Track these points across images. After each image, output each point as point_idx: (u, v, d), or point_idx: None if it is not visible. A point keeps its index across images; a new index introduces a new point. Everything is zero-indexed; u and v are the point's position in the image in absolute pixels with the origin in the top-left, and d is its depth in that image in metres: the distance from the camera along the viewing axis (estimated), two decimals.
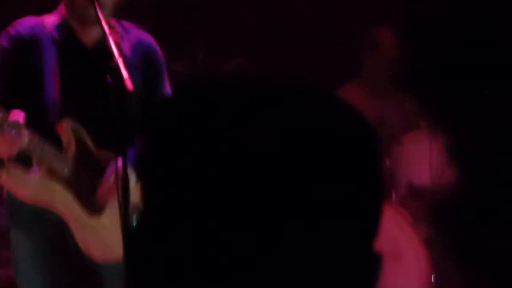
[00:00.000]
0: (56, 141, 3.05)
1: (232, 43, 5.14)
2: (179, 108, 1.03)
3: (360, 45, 4.69)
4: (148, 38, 3.24)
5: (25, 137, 2.93)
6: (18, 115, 2.93)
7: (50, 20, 3.13)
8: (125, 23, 3.20)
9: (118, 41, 3.03)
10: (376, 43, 4.62)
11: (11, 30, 3.09)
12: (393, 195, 4.45)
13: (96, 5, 2.91)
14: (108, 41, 2.88)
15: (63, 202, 3.06)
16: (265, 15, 5.15)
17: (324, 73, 4.46)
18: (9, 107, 2.96)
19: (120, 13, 3.22)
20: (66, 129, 3.06)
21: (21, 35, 3.07)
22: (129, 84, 2.82)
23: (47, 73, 3.06)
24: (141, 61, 3.18)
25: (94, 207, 3.10)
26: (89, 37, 3.11)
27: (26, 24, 3.11)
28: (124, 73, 2.82)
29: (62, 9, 3.13)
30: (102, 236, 3.09)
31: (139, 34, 3.22)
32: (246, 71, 4.66)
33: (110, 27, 3.01)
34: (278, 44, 5.14)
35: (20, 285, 3.12)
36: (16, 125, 2.92)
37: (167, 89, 3.26)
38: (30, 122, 2.97)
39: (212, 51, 4.97)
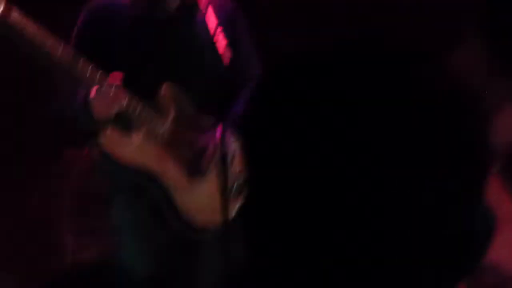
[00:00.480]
0: (155, 105, 3.07)
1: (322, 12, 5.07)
2: (285, 78, 1.02)
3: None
4: (227, 1, 3.24)
5: (124, 98, 2.96)
6: (117, 76, 2.96)
7: None
8: None
9: (214, 14, 3.05)
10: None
11: (91, 2, 3.14)
12: (495, 165, 4.34)
13: None
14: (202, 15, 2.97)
15: (162, 165, 3.07)
16: None
17: (429, 40, 4.35)
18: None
19: None
20: (165, 92, 3.08)
21: (102, 5, 3.12)
22: (225, 58, 2.80)
23: (135, 39, 3.08)
24: (225, 23, 3.16)
25: (193, 171, 3.11)
26: (171, 4, 3.13)
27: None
28: (221, 48, 2.82)
29: None
30: (202, 201, 3.10)
31: None
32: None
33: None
34: (376, 10, 5.04)
35: (120, 253, 3.16)
36: (115, 85, 2.95)
37: (251, 49, 3.26)
38: (128, 86, 3.00)
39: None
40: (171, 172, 3.08)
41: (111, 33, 3.07)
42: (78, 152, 4.93)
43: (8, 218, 5.11)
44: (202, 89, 3.10)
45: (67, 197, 4.97)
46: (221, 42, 2.96)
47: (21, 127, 5.16)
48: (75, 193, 4.91)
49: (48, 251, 4.98)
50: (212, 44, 2.96)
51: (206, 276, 3.13)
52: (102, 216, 3.90)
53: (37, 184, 5.15)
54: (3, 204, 5.12)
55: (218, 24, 3.06)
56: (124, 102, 2.96)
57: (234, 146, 3.10)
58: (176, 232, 3.12)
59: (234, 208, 3.09)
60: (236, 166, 3.11)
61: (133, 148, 3.04)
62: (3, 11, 2.79)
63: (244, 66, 3.21)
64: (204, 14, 3.04)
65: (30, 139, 5.17)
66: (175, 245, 3.15)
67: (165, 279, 3.05)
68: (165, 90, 3.08)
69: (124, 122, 3.02)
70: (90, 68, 2.93)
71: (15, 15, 2.82)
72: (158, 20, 3.10)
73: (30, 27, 2.84)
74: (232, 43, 3.12)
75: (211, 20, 3.03)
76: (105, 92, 2.92)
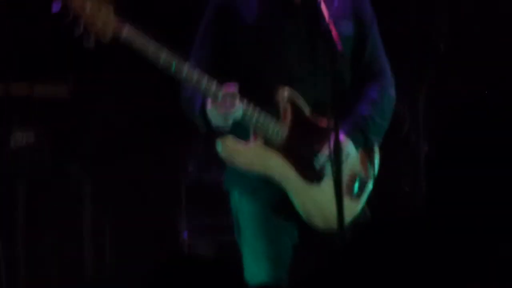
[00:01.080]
0: (271, 109, 3.04)
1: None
2: None
3: None
4: None
5: (240, 107, 2.95)
6: (231, 86, 2.95)
7: None
8: None
9: None
10: None
11: None
12: None
13: None
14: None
15: (280, 170, 3.04)
16: None
17: None
18: (221, 76, 2.99)
19: None
20: (281, 97, 3.04)
21: None
22: (339, 45, 2.74)
23: (254, 34, 3.05)
24: (350, 10, 3.11)
25: (312, 174, 3.06)
26: None
27: None
28: (334, 34, 2.75)
29: None
30: (322, 203, 3.04)
31: None
32: None
33: None
34: None
35: (242, 250, 3.12)
36: (230, 95, 2.93)
37: (378, 39, 3.19)
38: (244, 91, 2.97)
39: None
40: (289, 176, 3.04)
41: (236, 23, 3.07)
42: (195, 146, 4.95)
43: (127, 208, 5.15)
44: (322, 86, 3.03)
45: (184, 191, 4.97)
46: (343, 31, 2.90)
47: (144, 121, 5.20)
48: (192, 187, 4.91)
49: (165, 245, 5.00)
50: (332, 36, 2.90)
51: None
52: (221, 213, 3.87)
53: (154, 176, 5.18)
54: (123, 194, 5.17)
55: (340, 12, 3.03)
56: (240, 111, 2.96)
57: (351, 147, 3.05)
58: (298, 235, 3.08)
59: (355, 209, 3.06)
60: (355, 168, 3.07)
61: (251, 155, 3.03)
62: (115, 27, 2.84)
63: (371, 59, 3.15)
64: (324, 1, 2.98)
65: (151, 132, 5.20)
66: (297, 249, 3.09)
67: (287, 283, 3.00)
68: (281, 93, 3.04)
69: (241, 129, 3.01)
70: (205, 78, 2.93)
71: (128, 30, 2.86)
72: (285, 9, 3.06)
73: (142, 41, 2.88)
74: (358, 32, 3.08)
75: (332, 7, 2.98)
76: (221, 103, 2.92)
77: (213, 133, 3.05)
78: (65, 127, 4.94)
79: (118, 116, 5.09)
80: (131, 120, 5.17)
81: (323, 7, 2.92)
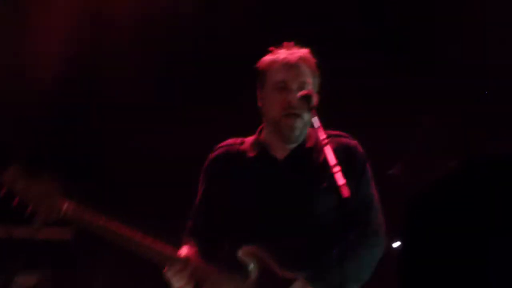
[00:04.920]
0: (239, 266, 3.07)
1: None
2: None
3: None
4: (349, 141, 3.23)
5: (193, 273, 3.04)
6: (186, 250, 3.08)
7: (247, 139, 3.29)
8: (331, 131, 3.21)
9: (332, 148, 3.00)
10: None
11: (211, 154, 3.29)
12: None
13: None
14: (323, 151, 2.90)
15: None
16: None
17: None
18: (204, 231, 3.18)
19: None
20: (246, 255, 3.07)
21: (218, 156, 3.26)
22: (345, 191, 2.76)
23: (240, 192, 3.16)
24: (342, 162, 3.06)
25: None
26: (281, 152, 3.19)
27: (224, 145, 3.29)
28: (341, 180, 2.77)
29: (262, 130, 3.27)
30: None
31: (341, 138, 3.22)
32: None
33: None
34: None
35: None
36: (183, 260, 3.04)
37: (372, 189, 3.22)
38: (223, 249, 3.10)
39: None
40: None
41: (230, 173, 3.19)
42: None
43: None
44: (303, 238, 3.08)
45: None
46: (338, 182, 2.91)
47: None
48: None
49: None
50: (326, 187, 2.97)
51: None
52: None
53: None
54: None
55: (336, 164, 2.99)
56: (194, 276, 3.03)
57: None
58: None
59: None
60: None
61: None
62: (58, 207, 3.00)
63: (360, 209, 3.14)
64: (320, 156, 3.08)
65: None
66: None
67: None
68: (245, 253, 3.06)
69: None
70: (156, 247, 3.05)
71: (70, 208, 3.02)
72: (268, 166, 3.17)
73: (87, 218, 3.03)
74: (350, 183, 3.07)
75: (328, 160, 2.96)
76: (174, 269, 3.03)
77: None
78: (68, 269, 4.94)
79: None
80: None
81: (331, 155, 2.93)
